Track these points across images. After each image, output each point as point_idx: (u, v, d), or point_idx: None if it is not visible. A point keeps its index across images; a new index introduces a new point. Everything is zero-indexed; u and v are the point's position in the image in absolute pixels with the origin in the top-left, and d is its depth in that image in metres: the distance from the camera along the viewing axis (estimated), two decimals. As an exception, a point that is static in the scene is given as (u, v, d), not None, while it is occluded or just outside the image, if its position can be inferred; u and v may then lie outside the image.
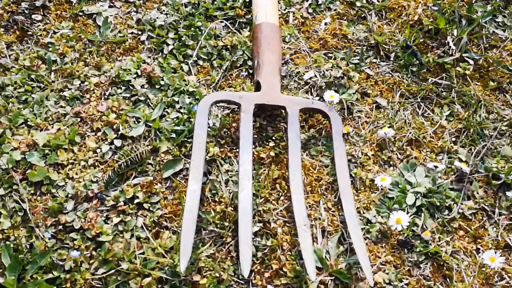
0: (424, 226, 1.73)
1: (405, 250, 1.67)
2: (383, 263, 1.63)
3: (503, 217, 1.77)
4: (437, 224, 1.73)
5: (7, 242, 1.42)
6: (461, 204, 1.79)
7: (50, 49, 1.88)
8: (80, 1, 2.13)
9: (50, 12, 2.12)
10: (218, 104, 1.90)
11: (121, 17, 2.17)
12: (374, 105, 2.05)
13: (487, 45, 2.29)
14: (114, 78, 1.85)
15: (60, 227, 1.58)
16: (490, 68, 2.19)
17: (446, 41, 2.15)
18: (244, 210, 1.53)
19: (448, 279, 1.62)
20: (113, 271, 1.43)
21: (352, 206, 1.68)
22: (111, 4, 2.21)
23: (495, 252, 1.62)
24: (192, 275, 1.48)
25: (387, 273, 1.60)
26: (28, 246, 1.43)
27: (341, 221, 1.71)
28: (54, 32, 1.89)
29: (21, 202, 1.55)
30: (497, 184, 1.84)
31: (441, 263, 1.65)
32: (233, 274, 1.52)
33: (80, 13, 2.14)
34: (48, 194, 1.63)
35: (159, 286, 1.47)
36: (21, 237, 1.51)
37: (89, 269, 1.49)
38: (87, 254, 1.51)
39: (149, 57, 2.06)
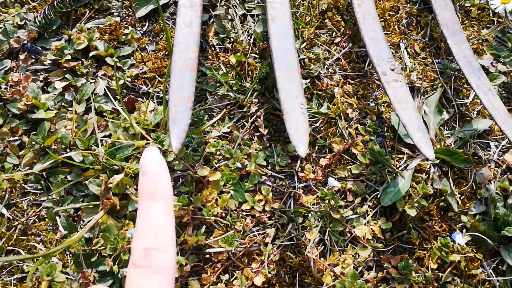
0: None
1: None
2: (516, 135, 1.00)
3: None
4: None
5: None
6: None
7: None
8: None
9: None
10: None
11: None
12: None
13: None
14: None
15: None
16: None
17: None
18: (284, 51, 0.97)
19: None
20: (58, 167, 0.97)
21: (463, 40, 1.04)
22: None
23: None
24: (197, 167, 0.88)
25: (527, 151, 0.98)
26: None
27: (441, 71, 1.06)
28: None
29: None
30: None
31: None
32: (264, 163, 0.90)
33: None
34: None
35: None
36: None
37: (19, 165, 0.89)
38: (14, 142, 0.90)
39: None
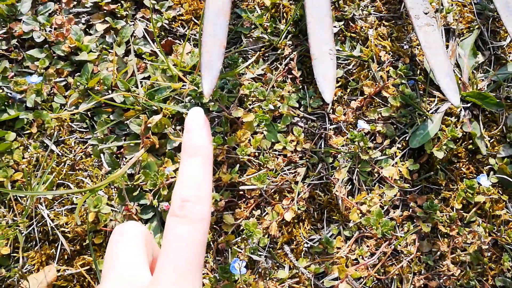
0: None
1: None
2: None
3: None
4: None
5: None
6: None
7: None
8: None
9: None
10: None
11: None
12: None
13: None
14: None
15: (14, 41, 1.04)
16: None
17: None
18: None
19: None
20: (101, 107, 1.05)
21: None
22: None
23: None
24: (231, 108, 0.94)
25: (561, 95, 1.00)
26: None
27: (478, 12, 1.06)
28: None
29: None
30: None
31: None
32: (296, 105, 0.95)
33: None
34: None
35: (177, 127, 0.93)
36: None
37: (65, 105, 0.97)
38: (60, 83, 0.97)
39: None
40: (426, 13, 1.00)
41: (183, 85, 1.02)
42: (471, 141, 1.01)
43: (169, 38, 1.11)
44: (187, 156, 0.53)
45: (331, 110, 1.04)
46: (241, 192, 0.97)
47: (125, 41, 1.09)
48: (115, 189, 0.97)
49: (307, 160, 0.99)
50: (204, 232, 0.49)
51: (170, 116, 1.00)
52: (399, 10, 1.14)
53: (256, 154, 0.99)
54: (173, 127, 1.00)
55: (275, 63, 1.08)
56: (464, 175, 0.99)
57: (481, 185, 0.94)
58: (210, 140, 0.55)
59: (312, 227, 0.96)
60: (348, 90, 1.06)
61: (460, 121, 1.02)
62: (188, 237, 0.48)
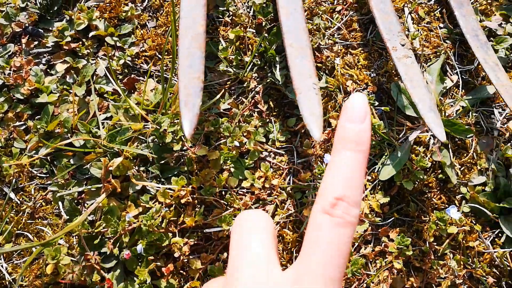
0: None
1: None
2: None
3: None
4: None
5: None
6: None
7: None
8: None
9: None
10: None
11: None
12: None
13: None
14: None
15: None
16: None
17: None
18: (294, 27, 0.99)
19: None
20: (62, 150, 1.01)
21: (471, 11, 1.04)
22: None
23: None
24: (197, 146, 0.90)
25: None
26: None
27: (444, 38, 1.05)
28: None
29: None
30: None
31: None
32: (263, 140, 0.93)
33: None
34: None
35: (140, 168, 0.90)
36: None
37: (25, 150, 0.94)
38: (20, 127, 0.95)
39: None
40: (403, 45, 0.98)
41: (145, 125, 0.99)
42: (441, 170, 0.98)
43: (132, 75, 1.08)
44: (343, 148, 0.48)
45: (299, 143, 1.01)
46: (208, 234, 0.94)
47: (86, 80, 1.07)
48: (77, 237, 0.94)
49: (276, 197, 0.96)
50: (352, 237, 0.46)
51: (133, 157, 0.97)
52: (365, 38, 1.12)
53: (223, 193, 0.96)
54: (136, 168, 0.97)
55: (240, 97, 1.06)
56: (436, 206, 0.97)
57: (450, 217, 0.91)
58: (370, 136, 0.49)
59: (282, 267, 0.92)
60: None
61: (430, 149, 0.99)
62: (339, 241, 0.44)
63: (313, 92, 0.88)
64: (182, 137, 0.97)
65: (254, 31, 1.11)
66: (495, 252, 0.93)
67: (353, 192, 0.46)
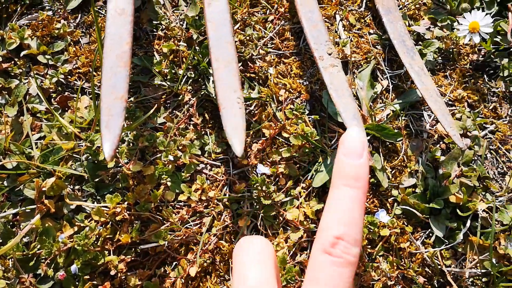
0: (514, 33, 1.10)
1: (485, 76, 1.06)
2: (451, 101, 1.04)
3: None
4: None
5: None
6: None
7: None
8: None
9: None
10: None
11: None
12: None
13: None
14: None
15: None
16: None
17: None
18: (220, 40, 0.97)
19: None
20: None
21: (398, 17, 1.07)
22: None
23: None
24: (132, 162, 0.91)
25: (459, 118, 1.01)
26: None
27: (374, 43, 1.08)
28: None
29: None
30: None
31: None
32: (199, 153, 0.94)
33: None
34: None
35: (75, 187, 0.91)
36: None
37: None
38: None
39: None
40: (329, 54, 1.00)
41: (79, 144, 0.99)
42: (372, 174, 1.01)
43: (66, 93, 1.08)
44: (342, 185, 0.48)
45: (235, 154, 1.03)
46: (146, 250, 0.95)
47: (19, 100, 1.06)
48: (12, 259, 0.93)
49: (212, 209, 0.98)
50: (353, 276, 0.46)
51: (67, 176, 0.98)
52: (298, 46, 1.15)
53: (160, 207, 0.97)
54: (71, 187, 0.97)
55: (175, 110, 1.07)
56: (369, 210, 0.99)
57: (380, 221, 0.94)
58: (368, 171, 0.49)
59: (219, 279, 0.94)
60: (251, 132, 1.05)
61: (362, 155, 1.02)
62: (339, 281, 0.44)
63: (237, 107, 0.89)
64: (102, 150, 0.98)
65: (186, 44, 1.12)
66: (426, 252, 0.96)
67: (353, 230, 0.47)
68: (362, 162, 0.49)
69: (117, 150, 0.81)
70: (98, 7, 1.19)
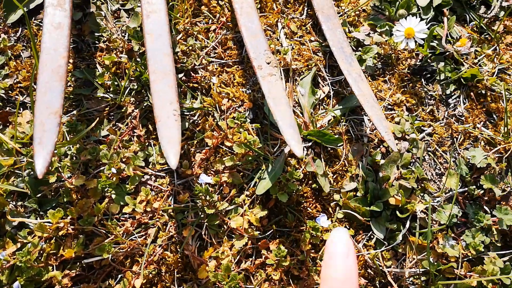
0: (450, 38, 1.13)
1: (423, 80, 1.10)
2: (390, 106, 1.07)
3: None
4: (471, 32, 1.15)
5: None
6: (504, -8, 1.21)
7: None
8: None
9: None
10: None
11: None
12: None
13: None
14: None
15: None
16: None
17: None
18: (158, 52, 1.00)
19: (495, 115, 1.06)
20: None
21: (337, 28, 1.09)
22: None
23: None
24: (74, 176, 0.92)
25: (398, 121, 1.04)
26: None
27: (315, 50, 1.10)
28: None
29: None
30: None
31: (482, 92, 1.09)
32: (143, 164, 0.95)
33: None
34: None
35: (17, 203, 0.91)
36: None
37: None
38: None
39: None
40: (268, 63, 1.02)
41: (20, 160, 0.99)
42: (315, 179, 1.03)
43: (7, 108, 1.08)
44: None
45: (179, 164, 1.04)
46: (90, 264, 0.95)
47: (-42, 117, 1.05)
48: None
49: (157, 219, 0.99)
50: None
51: (9, 193, 0.97)
52: (240, 55, 1.17)
53: (104, 221, 0.98)
54: (14, 203, 0.97)
55: (118, 123, 1.08)
56: (312, 215, 1.02)
57: (322, 226, 0.97)
58: (357, 272, 0.49)
59: (167, 289, 0.95)
60: (195, 142, 1.06)
61: (303, 161, 1.04)
62: None
63: (172, 119, 0.90)
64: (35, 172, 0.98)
65: (127, 56, 1.12)
66: (367, 254, 0.99)
67: None
68: (348, 263, 0.49)
69: (49, 167, 0.81)
70: (39, 20, 1.18)
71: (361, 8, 1.25)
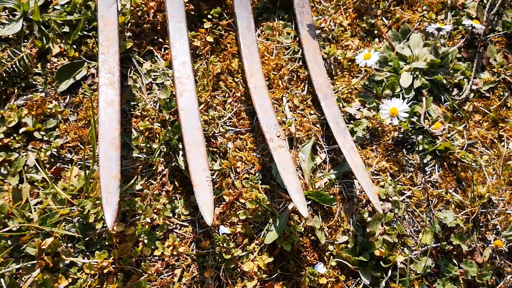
0: (428, 115, 1.38)
1: (404, 150, 1.34)
2: (376, 171, 1.31)
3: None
4: (445, 110, 1.40)
5: None
6: (475, 78, 1.45)
7: None
8: None
9: None
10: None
11: None
12: (346, -46, 1.63)
13: None
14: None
15: None
16: None
17: None
18: (191, 126, 1.25)
19: (464, 183, 1.30)
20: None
21: (333, 105, 1.34)
22: None
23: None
24: (116, 224, 1.14)
25: (383, 185, 1.28)
26: None
27: (314, 122, 1.35)
28: None
29: None
30: (519, 45, 1.50)
31: (454, 162, 1.33)
32: (170, 215, 1.18)
33: None
34: None
35: (68, 245, 1.13)
36: None
37: (-34, 234, 1.13)
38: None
39: None
40: (278, 136, 1.26)
41: (71, 208, 1.22)
42: (313, 232, 1.27)
43: (58, 164, 1.31)
44: None
45: (200, 216, 1.27)
46: (127, 297, 1.17)
47: (19, 171, 1.28)
48: (16, 307, 1.14)
49: (182, 262, 1.21)
50: None
51: (62, 236, 1.20)
52: (251, 124, 1.41)
53: (139, 261, 1.20)
54: (65, 245, 1.20)
55: (150, 179, 1.31)
56: (310, 262, 1.25)
57: (319, 272, 1.20)
58: None
59: (188, 320, 1.17)
60: (214, 198, 1.30)
61: (304, 217, 1.28)
62: None
63: (206, 185, 1.14)
64: (105, 227, 1.21)
65: (160, 125, 1.37)
66: (355, 296, 1.22)
67: None
68: None
69: (116, 221, 1.05)
70: (83, 90, 1.43)
71: (353, 86, 1.51)
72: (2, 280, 1.15)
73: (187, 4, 1.52)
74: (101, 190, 1.07)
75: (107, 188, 1.08)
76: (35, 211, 1.22)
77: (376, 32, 1.56)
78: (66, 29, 1.46)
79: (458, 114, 1.46)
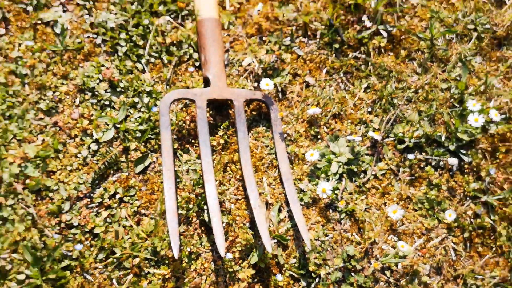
0: (346, 189, 2.50)
1: (330, 210, 2.45)
2: (313, 223, 2.42)
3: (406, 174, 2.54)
4: (355, 187, 2.50)
5: (25, 242, 1.85)
6: (374, 166, 2.55)
7: (19, 62, 2.22)
8: (36, 9, 2.64)
9: (11, 24, 2.62)
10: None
11: (75, 21, 2.61)
12: (304, 84, 2.71)
13: (400, 13, 2.91)
14: (80, 86, 2.27)
15: (63, 224, 2.21)
16: (402, 38, 2.80)
17: (362, 18, 2.76)
18: (213, 203, 1.94)
19: (362, 230, 2.41)
20: (109, 256, 1.97)
21: (291, 183, 2.42)
22: (65, 9, 2.69)
23: (397, 204, 2.41)
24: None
25: (316, 231, 2.39)
26: (42, 244, 1.89)
27: (280, 192, 2.46)
28: (19, 45, 2.29)
29: (27, 208, 1.95)
30: (401, 147, 2.57)
31: (357, 218, 2.44)
32: (200, 246, 2.28)
33: (39, 22, 2.55)
34: (47, 198, 2.24)
35: (146, 263, 2.22)
36: (34, 237, 2.21)
37: (91, 255, 2.20)
38: (87, 244, 2.22)
39: (107, 60, 2.48)
40: (258, 205, 2.36)
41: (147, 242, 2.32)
42: (277, 257, 2.37)
43: (137, 216, 2.41)
44: None
45: (216, 247, 2.37)
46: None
47: (117, 219, 2.37)
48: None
49: (206, 272, 2.32)
50: None
51: (143, 258, 2.30)
52: (245, 195, 2.51)
53: (183, 271, 2.30)
54: (145, 261, 2.29)
55: (188, 225, 2.41)
56: (274, 273, 2.35)
57: (279, 280, 2.31)
58: None
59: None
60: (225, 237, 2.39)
61: (270, 251, 2.39)
62: None
63: (220, 230, 2.25)
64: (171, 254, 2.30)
65: (194, 194, 2.47)
66: (297, 291, 2.33)
67: None
68: None
69: (180, 251, 2.15)
70: (150, 171, 2.52)
71: (304, 171, 2.61)
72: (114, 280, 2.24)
73: (208, 117, 2.61)
74: (170, 236, 2.12)
75: (172, 224, 1.94)
76: (127, 243, 2.31)
77: (319, 136, 2.66)
78: (139, 134, 2.52)
79: (362, 189, 2.57)
